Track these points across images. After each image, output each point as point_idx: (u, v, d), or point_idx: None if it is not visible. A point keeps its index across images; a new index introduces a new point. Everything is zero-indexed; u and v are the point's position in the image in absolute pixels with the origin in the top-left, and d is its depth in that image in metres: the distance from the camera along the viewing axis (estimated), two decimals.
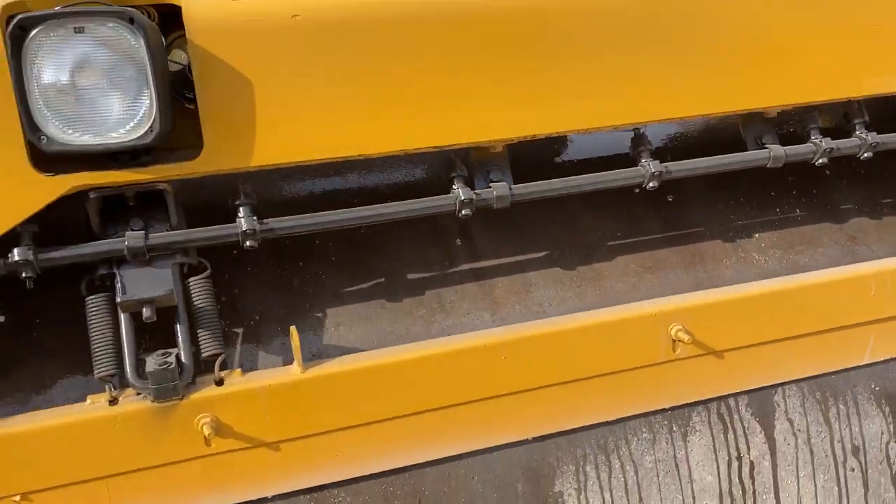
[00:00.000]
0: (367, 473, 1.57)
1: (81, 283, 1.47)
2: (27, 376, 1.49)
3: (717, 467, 1.79)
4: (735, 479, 1.80)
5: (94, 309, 1.44)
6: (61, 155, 1.34)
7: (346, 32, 1.44)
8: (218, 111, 1.40)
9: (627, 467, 1.73)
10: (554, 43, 1.56)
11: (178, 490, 1.47)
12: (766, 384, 1.80)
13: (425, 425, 1.58)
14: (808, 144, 1.83)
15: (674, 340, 1.70)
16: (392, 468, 1.59)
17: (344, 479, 1.55)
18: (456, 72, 1.51)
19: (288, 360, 1.56)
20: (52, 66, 1.29)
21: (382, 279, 1.74)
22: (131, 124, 1.33)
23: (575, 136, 1.97)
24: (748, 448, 1.81)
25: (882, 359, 1.89)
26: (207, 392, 1.44)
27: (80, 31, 1.29)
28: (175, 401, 1.42)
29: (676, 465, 1.77)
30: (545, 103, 1.59)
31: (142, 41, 1.30)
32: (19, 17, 1.27)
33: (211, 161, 1.41)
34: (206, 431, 1.42)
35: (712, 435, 1.79)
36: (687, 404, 1.76)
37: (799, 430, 1.84)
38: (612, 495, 1.72)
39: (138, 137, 1.33)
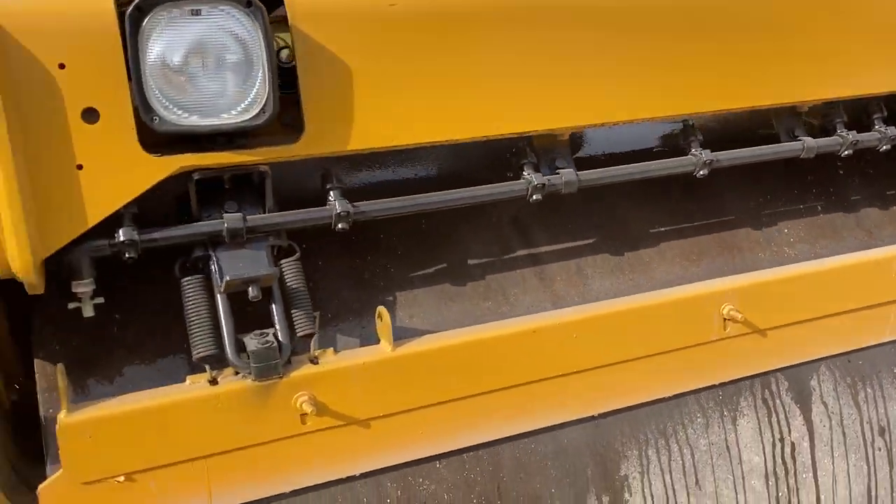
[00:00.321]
0: (449, 450, 1.62)
1: (175, 265, 1.48)
2: (123, 358, 1.49)
3: (763, 448, 1.90)
4: (778, 460, 1.91)
5: (190, 290, 1.46)
6: (169, 136, 1.36)
7: (437, 22, 1.50)
8: (319, 96, 1.44)
9: (685, 450, 1.82)
10: (621, 40, 1.65)
11: (274, 469, 1.49)
12: (804, 360, 1.92)
13: (503, 401, 1.63)
14: (835, 137, 1.96)
15: (725, 319, 1.80)
16: (472, 444, 1.64)
17: (429, 455, 1.60)
18: (536, 64, 1.59)
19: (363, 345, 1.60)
20: (167, 47, 1.31)
21: (446, 269, 1.80)
22: (242, 106, 1.36)
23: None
24: (789, 430, 1.92)
25: None
26: (304, 370, 1.47)
27: (196, 13, 1.31)
28: (275, 379, 1.44)
29: (728, 448, 1.87)
30: (609, 94, 1.68)
31: (256, 24, 1.33)
32: None
33: (312, 144, 1.44)
34: (307, 409, 1.44)
35: (758, 419, 1.89)
36: (735, 382, 1.86)
37: (833, 413, 1.97)
38: (671, 477, 1.81)
39: (250, 119, 1.36)
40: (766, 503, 1.91)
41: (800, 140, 1.93)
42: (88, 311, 1.40)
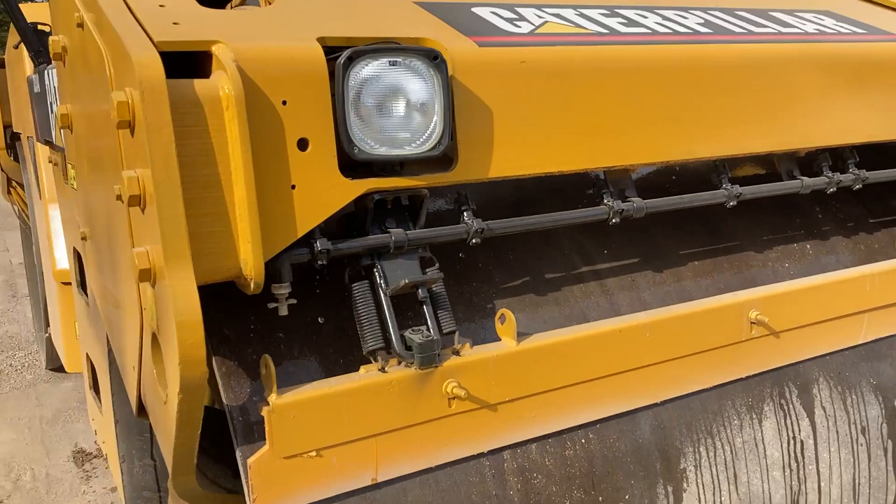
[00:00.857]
0: (556, 430, 1.93)
1: (345, 272, 1.74)
2: (300, 352, 1.73)
3: (781, 445, 2.30)
4: (791, 454, 2.32)
5: (359, 294, 1.72)
6: (361, 164, 1.64)
7: (555, 75, 1.85)
8: (469, 132, 1.75)
9: (726, 447, 2.20)
10: (674, 96, 2.06)
11: (426, 446, 1.76)
12: (808, 357, 2.35)
13: (598, 390, 1.97)
14: (823, 177, 2.44)
15: (752, 323, 2.21)
16: (570, 426, 1.96)
17: (543, 434, 1.90)
18: (623, 111, 1.96)
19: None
20: (368, 90, 1.60)
21: (529, 284, 2.13)
22: (422, 139, 1.65)
23: None
24: (799, 430, 2.34)
25: (872, 338, 2.51)
26: (452, 361, 1.75)
27: (394, 63, 1.60)
28: (432, 368, 1.72)
29: (756, 445, 2.26)
30: (666, 136, 2.07)
31: (439, 75, 1.64)
32: (350, 50, 1.57)
33: (463, 172, 1.75)
34: (459, 393, 1.72)
35: (776, 420, 2.29)
36: (760, 389, 2.26)
37: (829, 416, 2.40)
38: (716, 469, 2.18)
39: (427, 150, 1.66)
40: (784, 490, 2.32)
41: (798, 179, 2.39)
42: (283, 311, 1.64)
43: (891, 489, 2.53)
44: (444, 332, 1.78)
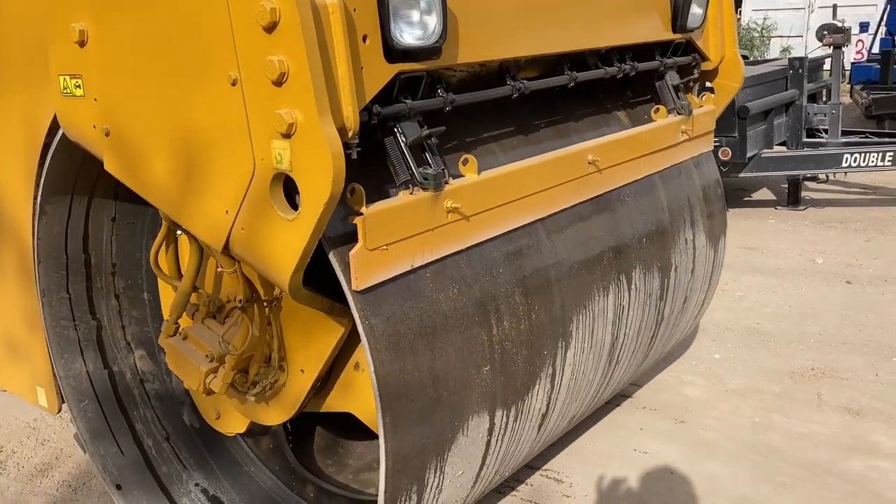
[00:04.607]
0: (510, 229, 2.91)
1: (376, 133, 2.53)
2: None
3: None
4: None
5: (390, 145, 2.53)
6: (395, 51, 2.43)
7: None
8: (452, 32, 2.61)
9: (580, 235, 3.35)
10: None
11: (435, 244, 2.64)
12: (620, 185, 3.57)
13: (516, 209, 2.98)
14: (615, 67, 3.62)
15: (589, 163, 3.35)
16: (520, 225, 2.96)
17: (495, 235, 2.87)
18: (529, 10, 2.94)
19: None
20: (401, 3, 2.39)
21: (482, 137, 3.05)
22: (431, 32, 2.48)
23: None
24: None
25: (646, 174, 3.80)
26: (448, 187, 2.64)
27: None
28: (439, 192, 2.59)
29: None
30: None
31: None
32: None
33: (450, 58, 2.61)
34: (456, 206, 2.63)
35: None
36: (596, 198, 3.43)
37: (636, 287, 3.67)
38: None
39: (434, 42, 2.49)
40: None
41: (602, 69, 3.56)
42: (353, 156, 2.40)
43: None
44: (441, 168, 2.66)
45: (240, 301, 2.89)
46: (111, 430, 3.91)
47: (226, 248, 2.48)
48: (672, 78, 4.01)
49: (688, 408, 5.01)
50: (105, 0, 2.58)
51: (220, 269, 2.90)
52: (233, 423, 3.71)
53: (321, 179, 2.14)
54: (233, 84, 2.25)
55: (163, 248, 3.23)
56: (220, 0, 2.21)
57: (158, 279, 3.64)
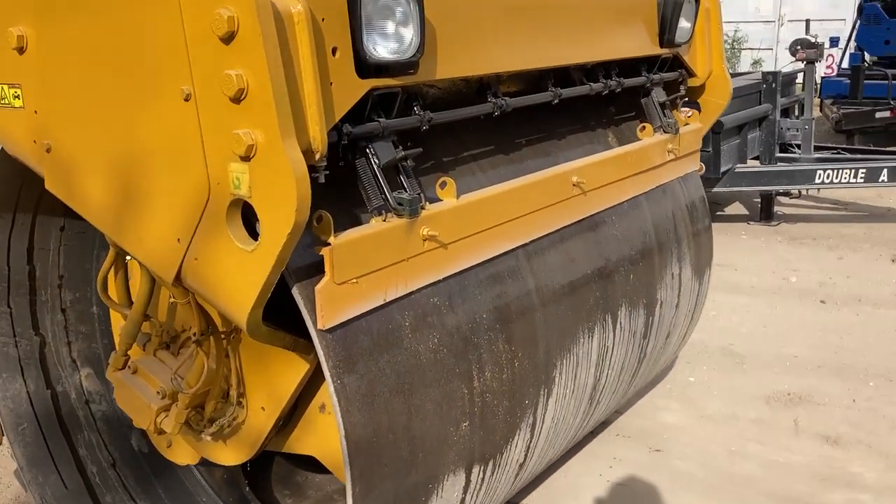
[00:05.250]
0: (491, 256, 2.70)
1: (346, 155, 2.29)
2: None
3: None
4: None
5: (361, 167, 2.30)
6: (367, 66, 2.20)
7: None
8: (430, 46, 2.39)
9: (562, 257, 3.15)
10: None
11: (410, 275, 2.42)
12: (604, 208, 3.38)
13: (518, 226, 2.77)
14: (600, 83, 3.44)
15: (574, 185, 3.15)
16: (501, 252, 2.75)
17: (478, 262, 2.65)
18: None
19: None
20: (375, 13, 2.16)
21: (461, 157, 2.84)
22: (407, 46, 2.26)
23: None
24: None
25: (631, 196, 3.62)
26: (424, 213, 2.41)
27: None
28: (415, 218, 2.37)
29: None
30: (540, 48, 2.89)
31: (417, 4, 2.25)
32: None
33: (426, 73, 2.39)
34: (433, 233, 2.41)
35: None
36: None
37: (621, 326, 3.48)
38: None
39: (410, 56, 2.27)
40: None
41: (587, 85, 3.37)
42: (321, 180, 2.17)
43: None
44: (417, 193, 2.44)
45: (194, 333, 2.64)
46: (52, 456, 3.63)
47: (177, 279, 2.23)
48: (658, 94, 3.84)
49: (663, 435, 4.84)
50: (47, 4, 2.32)
51: (172, 300, 2.65)
52: (185, 453, 3.45)
53: (284, 207, 1.92)
54: (186, 99, 2.01)
55: (111, 273, 2.96)
56: (172, 6, 1.97)
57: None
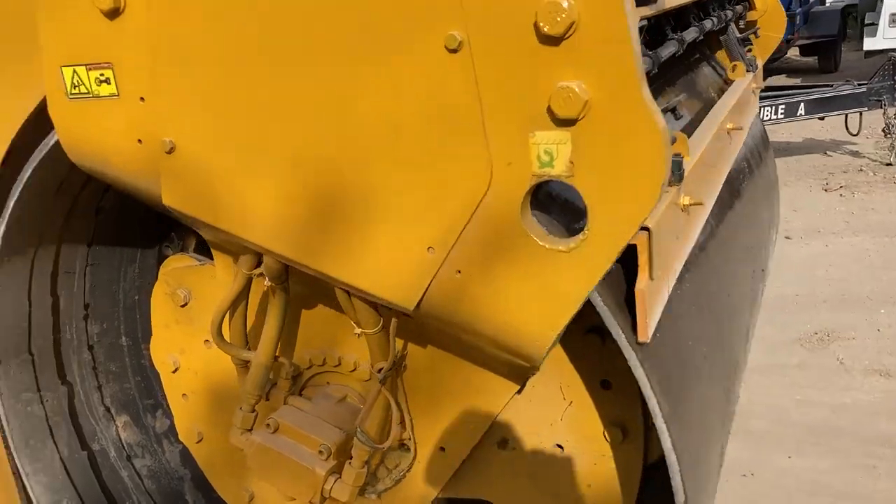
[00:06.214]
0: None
1: None
2: None
3: None
4: None
5: None
6: None
7: None
8: None
9: None
10: None
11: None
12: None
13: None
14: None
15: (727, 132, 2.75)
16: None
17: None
18: None
19: None
20: None
21: None
22: None
23: None
24: None
25: None
26: None
27: None
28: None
29: None
30: None
31: None
32: None
33: None
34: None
35: None
36: None
37: None
38: None
39: None
40: None
41: None
42: None
43: None
44: None
45: (380, 370, 2.01)
46: None
47: (417, 307, 1.64)
48: (733, 30, 3.49)
49: None
50: None
51: (357, 331, 1.99)
52: None
53: (643, 179, 1.38)
54: (453, 50, 1.43)
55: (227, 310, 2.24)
56: None
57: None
